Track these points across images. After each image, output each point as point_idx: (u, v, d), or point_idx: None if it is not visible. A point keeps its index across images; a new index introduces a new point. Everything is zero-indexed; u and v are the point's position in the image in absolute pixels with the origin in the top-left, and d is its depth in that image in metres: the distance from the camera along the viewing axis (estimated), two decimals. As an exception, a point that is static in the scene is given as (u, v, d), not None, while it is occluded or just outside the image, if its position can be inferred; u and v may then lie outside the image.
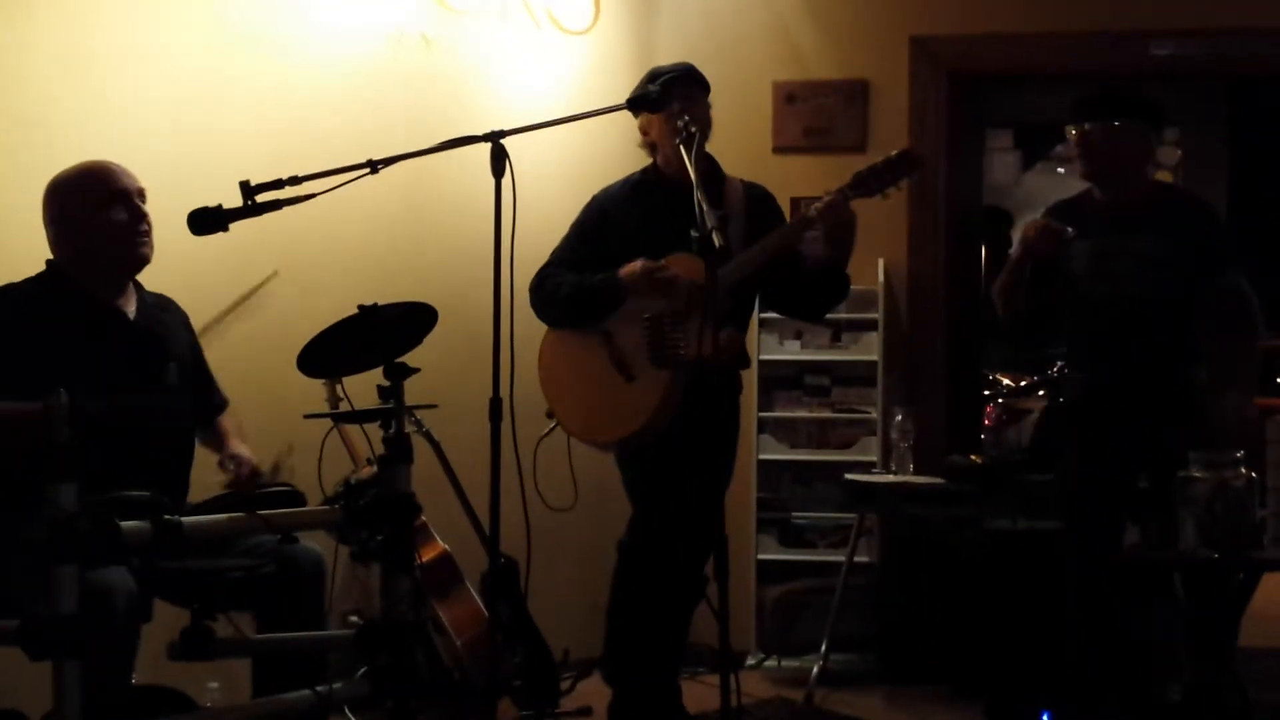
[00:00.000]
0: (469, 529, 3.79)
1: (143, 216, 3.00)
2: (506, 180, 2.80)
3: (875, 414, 4.74)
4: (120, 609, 2.53)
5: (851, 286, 3.66)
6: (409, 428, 2.81)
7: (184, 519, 2.41)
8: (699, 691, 3.99)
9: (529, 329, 3.50)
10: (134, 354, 2.98)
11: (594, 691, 3.92)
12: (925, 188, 4.79)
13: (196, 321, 3.28)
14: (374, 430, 2.77)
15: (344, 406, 3.35)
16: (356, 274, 4.16)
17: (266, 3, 4.10)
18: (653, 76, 3.51)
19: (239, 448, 3.10)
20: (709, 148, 3.51)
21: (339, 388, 3.62)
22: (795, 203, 4.61)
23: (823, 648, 4.39)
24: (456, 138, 2.89)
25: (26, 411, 2.64)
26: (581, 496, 3.56)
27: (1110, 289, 3.65)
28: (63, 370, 2.52)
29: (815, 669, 4.35)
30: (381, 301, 2.75)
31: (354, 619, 3.74)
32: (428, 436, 3.76)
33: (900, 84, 4.84)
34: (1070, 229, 3.65)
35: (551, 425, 3.54)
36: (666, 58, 4.15)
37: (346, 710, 3.53)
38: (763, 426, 4.80)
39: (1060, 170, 9.04)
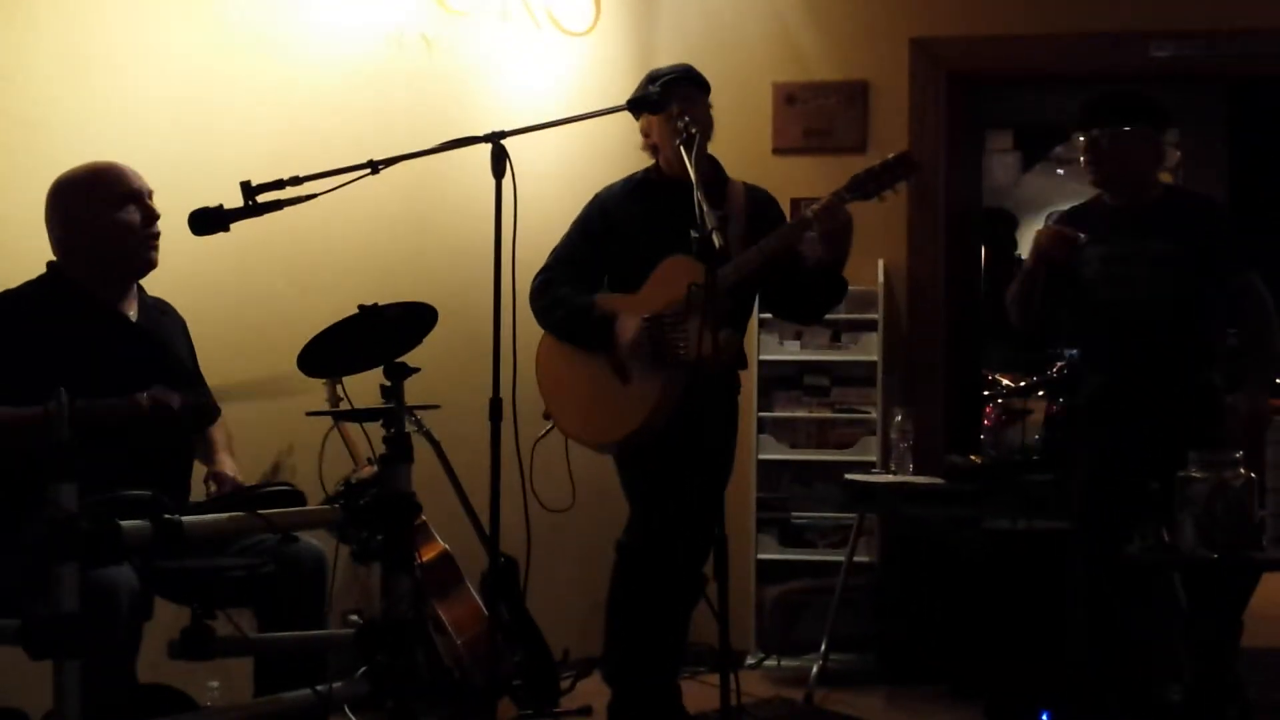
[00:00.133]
0: (469, 529, 3.79)
1: (155, 219, 3.00)
2: (507, 181, 2.80)
3: (875, 414, 4.74)
4: (124, 607, 2.53)
5: (851, 287, 3.66)
6: (409, 427, 2.81)
7: (184, 518, 2.41)
8: (699, 691, 3.99)
9: (529, 329, 3.50)
10: (135, 356, 2.98)
11: (594, 691, 3.93)
12: (925, 188, 4.80)
13: (197, 324, 3.28)
14: (374, 430, 2.77)
15: (344, 406, 3.36)
16: (356, 274, 4.16)
17: (266, 3, 4.10)
18: (652, 78, 3.51)
19: (224, 464, 3.07)
20: (710, 149, 3.51)
21: (339, 387, 3.63)
22: (795, 204, 4.61)
23: (822, 647, 4.39)
24: (457, 138, 2.89)
25: (27, 417, 2.65)
26: (581, 496, 3.56)
27: (1123, 293, 3.66)
28: (64, 372, 2.52)
29: (815, 669, 4.35)
30: (381, 301, 2.75)
31: (354, 619, 3.75)
32: (428, 436, 3.77)
33: (900, 85, 4.84)
34: (1082, 234, 3.65)
35: (548, 427, 3.54)
36: (666, 58, 4.16)
37: (346, 710, 3.53)
38: (762, 426, 4.80)
39: (1060, 171, 9.06)
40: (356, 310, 2.74)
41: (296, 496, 2.76)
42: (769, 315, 4.55)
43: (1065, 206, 4.08)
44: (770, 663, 4.68)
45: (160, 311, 3.14)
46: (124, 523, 2.31)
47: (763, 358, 4.78)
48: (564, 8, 4.68)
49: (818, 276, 3.49)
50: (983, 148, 6.00)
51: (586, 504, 3.65)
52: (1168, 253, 3.62)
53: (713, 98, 3.58)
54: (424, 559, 3.68)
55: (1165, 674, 3.71)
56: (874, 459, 4.68)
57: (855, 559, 4.51)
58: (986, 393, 5.75)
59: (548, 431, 3.52)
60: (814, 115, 4.88)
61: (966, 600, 4.28)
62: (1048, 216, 3.93)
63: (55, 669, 2.21)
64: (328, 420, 3.16)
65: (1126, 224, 3.69)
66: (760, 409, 4.79)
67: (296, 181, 2.72)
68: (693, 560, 3.43)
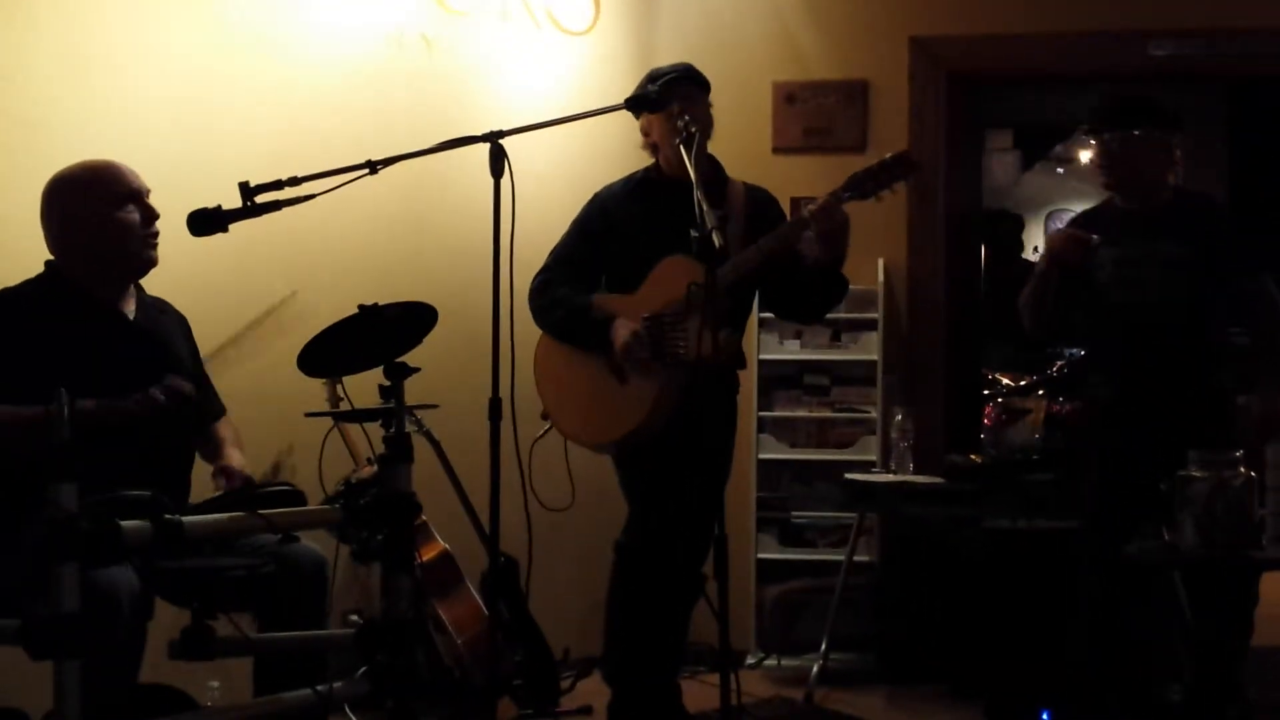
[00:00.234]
0: (469, 528, 3.79)
1: (154, 218, 3.00)
2: (506, 180, 2.80)
3: (875, 414, 4.74)
4: (126, 608, 2.53)
5: (851, 286, 3.66)
6: (409, 427, 2.81)
7: (184, 519, 2.41)
8: (699, 691, 3.99)
9: (528, 329, 3.51)
10: (134, 355, 2.97)
11: (594, 691, 3.93)
12: (925, 188, 4.80)
13: (197, 324, 3.28)
14: (374, 430, 2.77)
15: (344, 406, 3.36)
16: (356, 274, 4.16)
17: (266, 3, 4.10)
18: (652, 77, 3.51)
19: (233, 458, 3.08)
20: (710, 148, 3.51)
21: (339, 387, 3.63)
22: (795, 203, 4.61)
23: (822, 647, 4.39)
24: (456, 138, 2.89)
25: (28, 416, 2.65)
26: (580, 496, 3.56)
27: (1134, 295, 3.66)
28: (63, 372, 2.52)
29: (815, 668, 4.35)
30: (381, 301, 2.75)
31: (354, 618, 3.75)
32: (428, 436, 3.77)
33: (900, 84, 4.84)
34: (1095, 236, 3.65)
35: (546, 427, 3.54)
36: (666, 58, 4.16)
37: (347, 709, 3.53)
38: (762, 426, 4.80)
39: (1060, 171, 9.06)
40: (356, 310, 2.74)
41: (297, 496, 2.76)
42: (769, 315, 4.54)
43: (1061, 205, 4.09)
44: (770, 662, 4.68)
45: (159, 310, 3.14)
46: (124, 523, 2.31)
47: (763, 357, 4.78)
48: (564, 7, 4.68)
49: (817, 276, 3.49)
50: (983, 147, 6.00)
51: (586, 504, 3.65)
52: (1179, 255, 3.62)
53: (713, 97, 3.58)
54: (424, 559, 3.67)
55: (1165, 674, 3.71)
56: (874, 458, 4.68)
57: (855, 559, 4.51)
58: (986, 392, 5.75)
59: (546, 431, 3.52)
60: (814, 114, 4.88)
61: (966, 600, 4.28)
62: (1047, 216, 3.94)
63: (55, 669, 2.21)
64: (328, 420, 3.16)
65: (1138, 227, 3.70)
66: (760, 408, 4.79)
67: (295, 182, 2.72)
68: (692, 560, 3.43)
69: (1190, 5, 4.71)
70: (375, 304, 2.74)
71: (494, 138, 2.83)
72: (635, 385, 3.44)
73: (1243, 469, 3.05)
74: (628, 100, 3.19)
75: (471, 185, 3.26)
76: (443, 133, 2.96)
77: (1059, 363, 5.99)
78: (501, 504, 2.82)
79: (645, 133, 3.59)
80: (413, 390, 2.79)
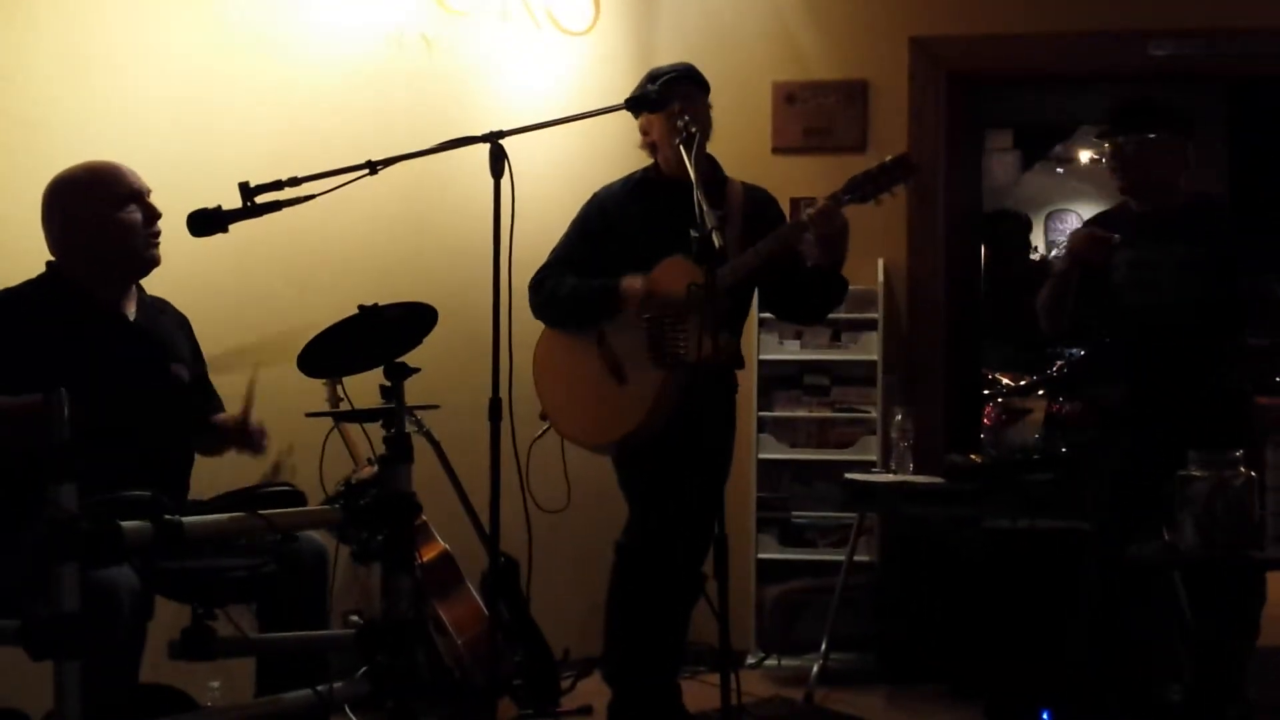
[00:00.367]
0: (469, 528, 3.79)
1: (156, 217, 3.00)
2: (506, 180, 2.80)
3: (875, 414, 4.74)
4: (126, 608, 2.53)
5: (851, 286, 3.66)
6: (409, 427, 2.81)
7: (184, 519, 2.41)
8: (699, 691, 3.99)
9: (529, 329, 3.51)
10: (134, 355, 2.98)
11: (594, 691, 3.93)
12: (925, 188, 4.79)
13: (197, 324, 3.28)
14: (374, 430, 2.77)
15: (344, 406, 3.35)
16: (356, 274, 4.17)
17: (266, 3, 4.10)
18: (653, 77, 3.51)
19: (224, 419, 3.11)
20: (709, 149, 3.51)
21: (339, 387, 3.63)
22: (795, 203, 4.61)
23: (823, 647, 4.39)
24: (456, 138, 2.89)
25: (27, 405, 2.64)
26: (579, 496, 3.56)
27: (1149, 297, 3.66)
28: (63, 372, 2.51)
29: (815, 668, 4.35)
30: (381, 301, 2.75)
31: (354, 619, 3.75)
32: (428, 436, 3.77)
33: (900, 84, 4.84)
34: (1117, 235, 3.64)
35: (545, 427, 3.54)
36: (666, 58, 4.15)
37: (347, 710, 3.53)
38: (763, 426, 4.80)
39: (1060, 170, 9.07)
40: (356, 310, 2.74)
41: (297, 497, 2.76)
42: (769, 315, 4.54)
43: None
44: (770, 662, 4.68)
45: (159, 310, 3.14)
46: (124, 523, 2.31)
47: (763, 357, 4.78)
48: (564, 7, 4.68)
49: (817, 278, 3.49)
50: (982, 147, 6.00)
51: (586, 504, 3.65)
52: (1193, 257, 3.62)
53: (713, 97, 3.58)
54: (424, 559, 3.68)
55: (1165, 674, 3.71)
56: (874, 458, 4.68)
57: (855, 559, 4.51)
58: (986, 392, 5.75)
59: (544, 432, 3.52)
60: (814, 114, 4.88)
61: (966, 600, 4.28)
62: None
63: (55, 669, 2.21)
64: (328, 420, 3.16)
65: (1152, 229, 3.70)
66: (760, 409, 4.79)
67: (295, 182, 2.72)
68: (692, 560, 3.43)
69: (1190, 5, 4.71)
70: (375, 304, 2.74)
71: (494, 138, 2.83)
72: (634, 386, 3.44)
73: (1243, 469, 3.05)
74: (628, 100, 3.19)
75: (471, 185, 3.26)
76: (443, 133, 2.96)
77: (1059, 363, 6.00)
78: (501, 504, 2.82)
79: (644, 132, 3.59)
80: (413, 390, 2.79)
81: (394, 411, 2.73)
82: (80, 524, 2.21)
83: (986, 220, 7.20)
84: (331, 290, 3.94)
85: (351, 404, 3.05)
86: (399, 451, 2.71)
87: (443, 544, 3.89)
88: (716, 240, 2.88)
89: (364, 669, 2.69)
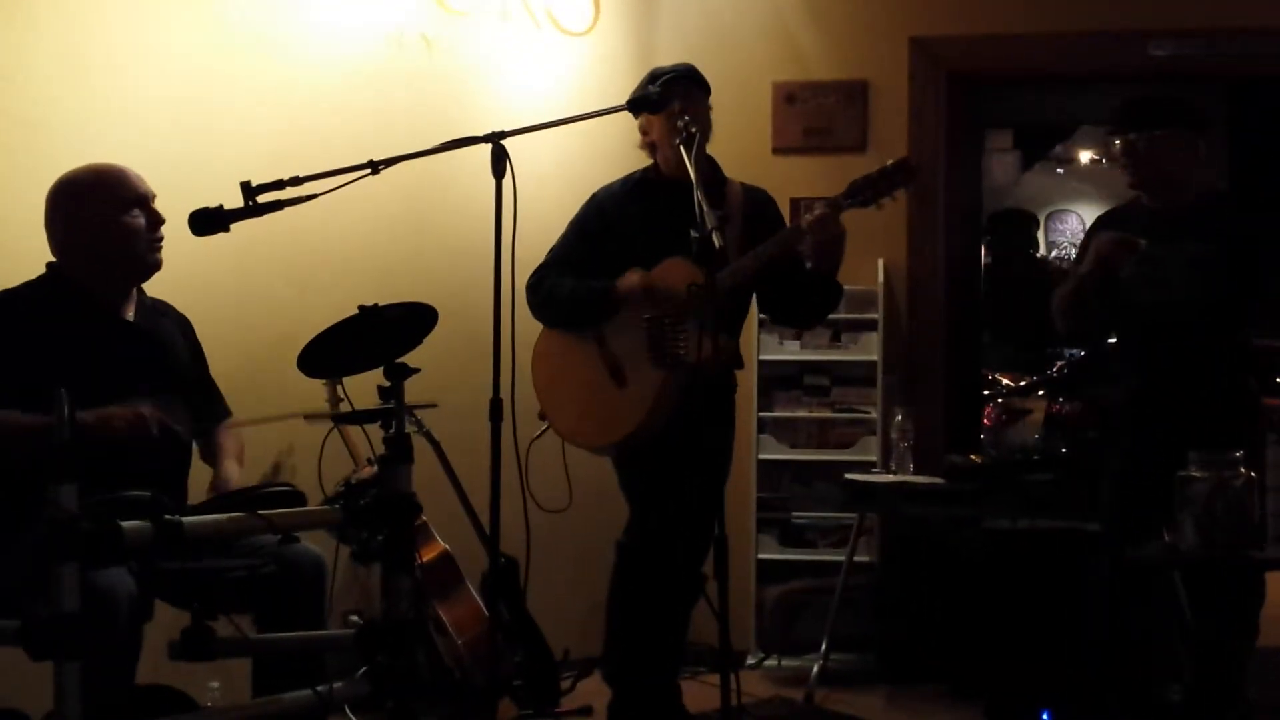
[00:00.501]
0: (469, 529, 3.79)
1: (160, 223, 3.00)
2: (507, 181, 2.80)
3: (875, 414, 4.74)
4: (122, 613, 2.53)
5: (851, 286, 3.67)
6: (409, 428, 2.81)
7: (184, 519, 2.41)
8: (699, 691, 3.99)
9: (529, 329, 3.51)
10: (133, 357, 2.97)
11: (594, 691, 3.93)
12: (925, 188, 4.79)
13: (197, 324, 3.28)
14: (374, 430, 2.77)
15: (344, 406, 3.35)
16: (356, 274, 4.17)
17: (266, 3, 4.10)
18: (653, 77, 3.51)
19: (230, 471, 3.07)
20: (709, 149, 3.51)
21: (339, 388, 3.63)
22: (795, 203, 4.62)
23: (823, 647, 4.39)
24: (457, 138, 2.89)
25: (34, 424, 2.64)
26: (579, 496, 3.56)
27: (1158, 295, 3.64)
28: (62, 373, 2.51)
29: (815, 668, 4.35)
30: (381, 301, 2.75)
31: (354, 619, 3.75)
32: (428, 436, 3.77)
33: (900, 84, 4.84)
34: (1143, 241, 3.60)
35: (544, 427, 3.54)
36: (666, 58, 4.15)
37: (347, 710, 3.53)
38: (763, 426, 4.80)
39: (1060, 171, 9.06)
40: (356, 310, 2.74)
41: (297, 497, 2.76)
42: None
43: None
44: (770, 663, 4.68)
45: (159, 313, 3.14)
46: (124, 523, 2.31)
47: (763, 358, 4.78)
48: (564, 8, 4.68)
49: (814, 281, 3.49)
50: (982, 147, 6.00)
51: (586, 504, 3.65)
52: (1203, 255, 3.60)
53: (713, 97, 3.58)
54: (424, 559, 3.67)
55: (1165, 674, 3.71)
56: (874, 459, 4.68)
57: (855, 559, 4.51)
58: (986, 393, 5.76)
59: (543, 431, 3.52)
60: (814, 115, 4.88)
61: (966, 600, 4.28)
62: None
63: (55, 669, 2.21)
64: (328, 420, 3.16)
65: (1163, 226, 3.68)
66: (760, 409, 4.79)
67: (296, 182, 2.72)
68: (692, 560, 3.43)
69: (1190, 5, 4.71)
70: (375, 304, 2.74)
71: (496, 138, 2.83)
72: (633, 388, 3.44)
73: (1243, 469, 3.05)
74: (629, 100, 3.19)
75: (472, 185, 3.27)
76: (443, 133, 2.96)
77: (1059, 363, 6.00)
78: (501, 504, 2.82)
79: (644, 132, 3.59)
80: (413, 391, 2.79)
81: (394, 411, 2.73)
82: (80, 524, 2.21)
83: (992, 220, 7.21)
84: (331, 290, 3.94)
85: (351, 404, 3.05)
86: (399, 452, 2.71)
87: (443, 544, 3.89)
88: (717, 240, 2.88)
89: (364, 669, 2.69)
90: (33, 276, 3.00)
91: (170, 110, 3.88)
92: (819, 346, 4.81)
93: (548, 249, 3.64)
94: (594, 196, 3.69)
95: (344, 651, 2.80)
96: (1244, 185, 6.78)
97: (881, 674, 4.52)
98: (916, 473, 4.50)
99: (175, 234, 2.83)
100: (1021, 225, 7.11)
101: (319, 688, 2.64)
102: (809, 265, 3.49)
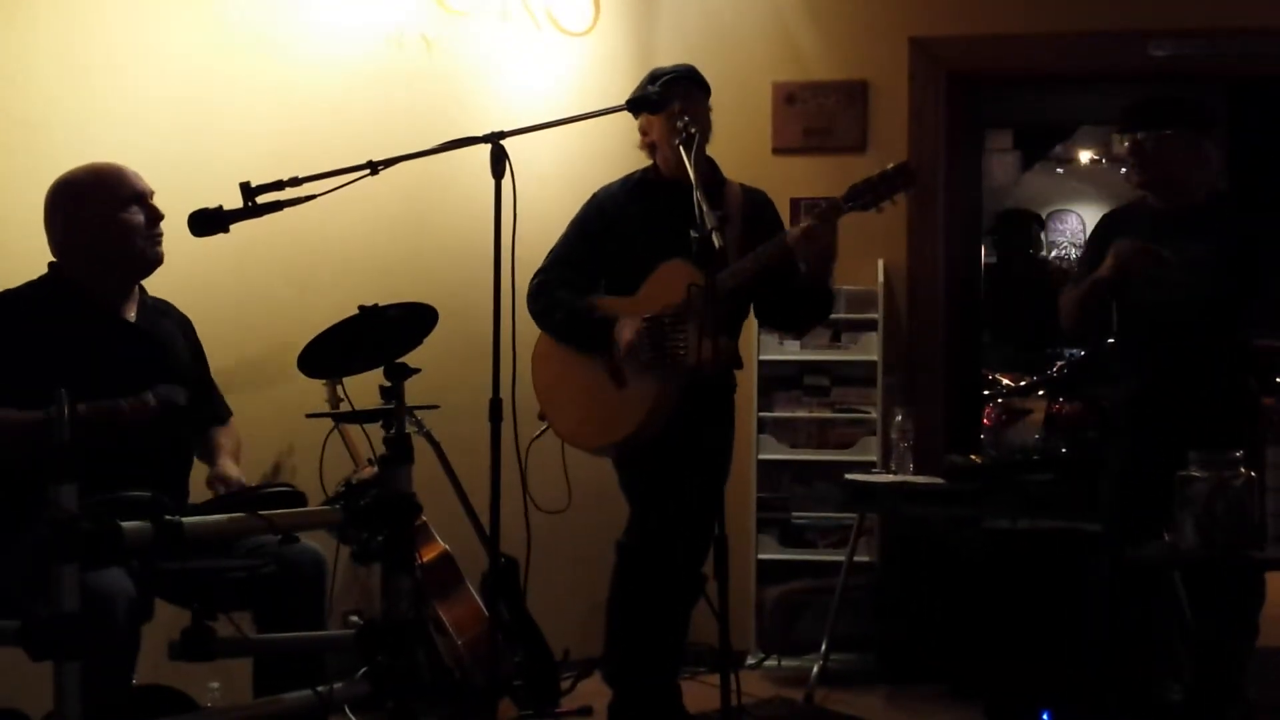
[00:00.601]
0: (469, 529, 3.79)
1: (159, 219, 3.00)
2: (506, 181, 2.80)
3: (875, 414, 4.74)
4: (121, 614, 2.53)
5: (851, 286, 3.67)
6: (409, 428, 2.81)
7: (185, 519, 2.41)
8: (699, 691, 3.99)
9: (529, 329, 3.51)
10: (133, 357, 2.98)
11: (594, 691, 3.93)
12: (925, 188, 4.78)
13: (197, 324, 3.28)
14: (374, 430, 2.77)
15: (344, 406, 3.35)
16: (356, 274, 4.17)
17: (266, 3, 4.10)
18: (653, 77, 3.51)
19: (228, 468, 3.06)
20: (709, 148, 3.51)
21: (339, 388, 3.63)
22: (795, 203, 4.62)
23: (823, 647, 4.39)
24: (456, 139, 2.89)
25: (29, 421, 2.65)
26: (579, 497, 3.56)
27: (1160, 294, 3.62)
28: (62, 373, 2.52)
29: (815, 669, 4.35)
30: (381, 301, 2.75)
31: (354, 619, 3.75)
32: (428, 437, 3.77)
33: (900, 85, 4.84)
34: (1167, 252, 3.58)
35: (544, 427, 3.54)
36: (666, 58, 4.16)
37: (347, 710, 3.53)
38: (763, 426, 4.80)
39: (1060, 170, 9.07)
40: (356, 310, 2.74)
41: (297, 497, 2.76)
42: (767, 316, 4.54)
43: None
44: (770, 663, 4.68)
45: (160, 312, 3.14)
46: (124, 523, 2.31)
47: (763, 358, 4.78)
48: (564, 8, 4.68)
49: (806, 288, 3.48)
50: (983, 147, 5.99)
51: (586, 504, 3.64)
52: (1207, 256, 3.59)
53: (713, 98, 3.58)
54: (424, 559, 3.68)
55: (1165, 674, 3.71)
56: (874, 459, 4.68)
57: (855, 559, 4.51)
58: (986, 393, 5.76)
59: (543, 432, 3.52)
60: (814, 115, 4.88)
61: (966, 600, 4.28)
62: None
63: (55, 669, 2.21)
64: (328, 420, 3.16)
65: (1168, 227, 3.67)
66: (760, 409, 4.79)
67: (296, 182, 2.72)
68: (692, 560, 3.43)
69: (1190, 5, 4.71)
70: (375, 304, 2.74)
71: (495, 138, 2.83)
72: (633, 389, 3.44)
73: (1243, 469, 3.05)
74: (629, 100, 3.19)
75: (472, 186, 3.26)
76: (443, 133, 2.96)
77: (1059, 363, 6.00)
78: (501, 504, 2.82)
79: (644, 132, 3.59)
80: (413, 391, 2.79)
81: (394, 412, 2.73)
82: (80, 524, 2.21)
83: (998, 219, 7.21)
84: (332, 290, 3.94)
85: (352, 404, 3.05)
86: (399, 452, 2.71)
87: (443, 544, 3.89)
88: (716, 241, 2.88)
89: (364, 669, 2.69)
90: (33, 276, 3.01)
91: (170, 110, 3.88)
92: (819, 346, 4.81)
93: (548, 249, 3.63)
94: (594, 197, 3.69)
95: (344, 651, 2.80)
96: (1244, 185, 6.78)
97: (881, 674, 4.52)
98: (916, 473, 4.49)
99: (175, 234, 2.83)
100: (1022, 225, 7.12)
101: (319, 688, 2.64)
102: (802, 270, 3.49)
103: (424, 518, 3.71)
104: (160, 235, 3.01)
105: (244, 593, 2.85)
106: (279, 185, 2.71)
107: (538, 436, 3.44)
